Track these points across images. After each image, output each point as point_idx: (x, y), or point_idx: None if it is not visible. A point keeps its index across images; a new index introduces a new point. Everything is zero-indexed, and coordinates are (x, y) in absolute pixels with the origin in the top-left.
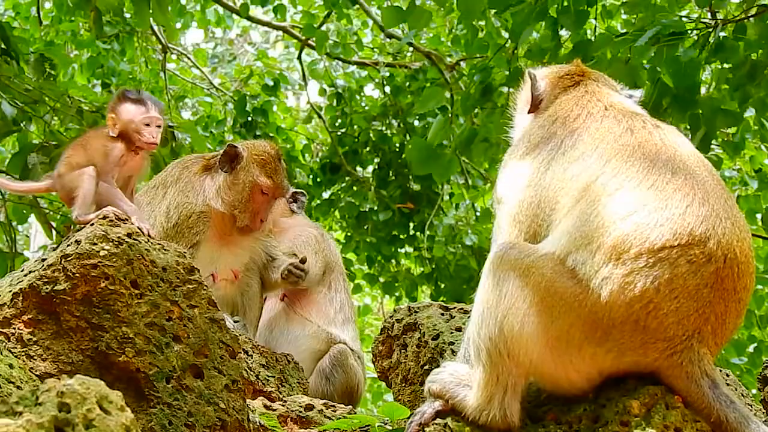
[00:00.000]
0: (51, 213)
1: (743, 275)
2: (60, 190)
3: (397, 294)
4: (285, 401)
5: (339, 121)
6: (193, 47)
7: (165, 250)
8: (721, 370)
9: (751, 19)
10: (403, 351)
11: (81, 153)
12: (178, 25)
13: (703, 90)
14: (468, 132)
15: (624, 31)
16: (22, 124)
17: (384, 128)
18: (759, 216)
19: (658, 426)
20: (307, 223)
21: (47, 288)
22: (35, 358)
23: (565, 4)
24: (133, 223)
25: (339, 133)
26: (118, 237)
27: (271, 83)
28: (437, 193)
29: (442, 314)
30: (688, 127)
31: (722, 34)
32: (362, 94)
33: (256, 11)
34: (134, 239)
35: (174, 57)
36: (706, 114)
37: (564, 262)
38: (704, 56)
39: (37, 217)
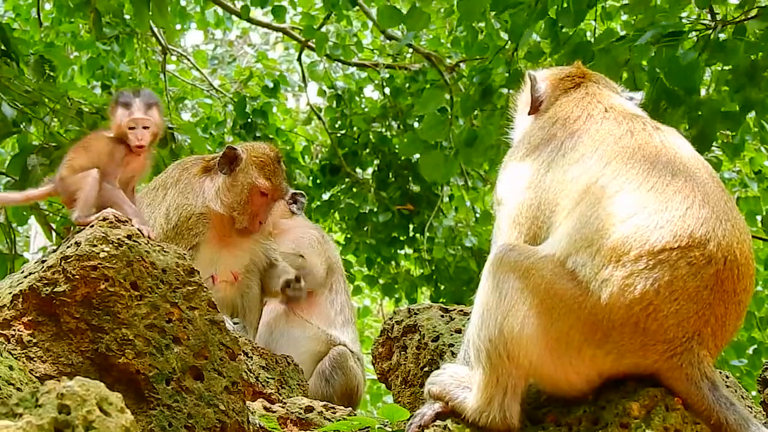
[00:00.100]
0: (51, 215)
1: (743, 277)
2: (62, 193)
3: (396, 296)
4: (285, 403)
5: (339, 122)
6: (193, 49)
7: (165, 251)
8: (720, 372)
9: (751, 20)
10: (402, 353)
11: (83, 155)
12: (178, 27)
13: (703, 92)
14: (467, 134)
15: (624, 33)
16: (22, 126)
17: (384, 130)
18: (759, 218)
19: (658, 428)
20: (308, 225)
21: (47, 290)
22: (35, 359)
23: (565, 5)
24: (133, 225)
25: (339, 135)
26: (118, 239)
27: (271, 85)
28: (437, 195)
29: (442, 316)
30: (688, 128)
31: (722, 35)
32: (362, 95)
33: (255, 13)
34: (134, 241)
35: (174, 58)
36: (706, 116)
37: (564, 264)
38: (704, 57)
39: (36, 219)
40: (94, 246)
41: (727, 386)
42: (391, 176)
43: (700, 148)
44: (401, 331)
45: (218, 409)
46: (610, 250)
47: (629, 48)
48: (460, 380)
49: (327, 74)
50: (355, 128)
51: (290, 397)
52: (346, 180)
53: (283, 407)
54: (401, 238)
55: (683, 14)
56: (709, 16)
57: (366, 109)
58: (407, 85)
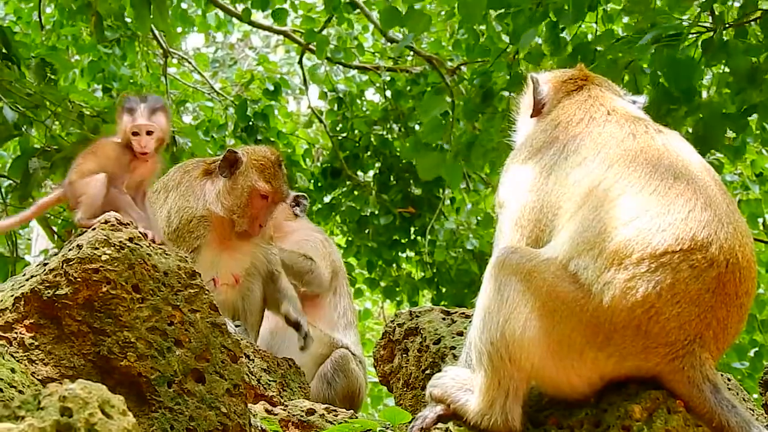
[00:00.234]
0: (52, 218)
1: (745, 280)
2: (70, 197)
3: (398, 299)
4: (286, 406)
5: (340, 125)
6: (194, 52)
7: (166, 254)
8: (722, 375)
9: (752, 23)
10: (404, 355)
11: (91, 160)
12: (179, 30)
13: (704, 94)
14: (468, 137)
15: (624, 34)
16: (23, 129)
17: (385, 133)
18: (761, 220)
19: (660, 430)
20: (312, 227)
21: (49, 292)
22: (37, 362)
23: (566, 7)
24: (135, 228)
25: (340, 138)
26: (120, 241)
27: (272, 88)
28: (438, 198)
29: (444, 319)
30: (690, 131)
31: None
32: (363, 98)
33: (256, 16)
34: (136, 244)
35: (175, 61)
36: (707, 118)
37: (566, 266)
38: (704, 60)
39: (38, 222)
40: (96, 249)
41: (729, 389)
42: (392, 179)
43: (702, 151)
44: (403, 334)
45: (220, 411)
46: (612, 253)
47: (628, 49)
48: (462, 383)
49: (328, 77)
50: (356, 131)
51: (292, 399)
52: (348, 183)
53: (284, 410)
54: (402, 241)
55: (684, 16)
56: (710, 18)
57: (367, 112)
58: (408, 87)
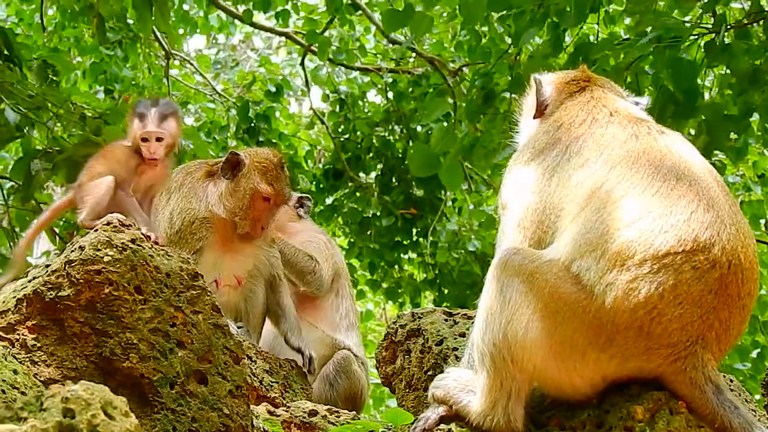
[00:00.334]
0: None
1: (747, 281)
2: (79, 200)
3: (400, 300)
4: (289, 407)
5: (342, 127)
6: (196, 53)
7: (169, 256)
8: (724, 376)
9: (754, 24)
10: (406, 357)
11: (102, 163)
12: (181, 32)
13: (707, 96)
14: (470, 138)
15: (626, 36)
16: (25, 130)
17: (387, 134)
18: (763, 221)
19: (662, 431)
20: (315, 229)
21: (51, 294)
22: (39, 363)
23: (567, 9)
24: (138, 229)
25: (342, 139)
26: (122, 243)
27: (274, 89)
28: (440, 199)
29: (446, 320)
30: (693, 132)
31: (726, 41)
32: (365, 99)
33: (258, 17)
34: (138, 245)
35: (177, 63)
36: (709, 119)
37: (568, 268)
38: (706, 61)
39: None
40: (99, 250)
41: (731, 390)
42: (394, 180)
43: (705, 153)
44: (405, 335)
45: (222, 413)
46: (614, 255)
47: (630, 50)
48: (464, 384)
49: (330, 78)
50: (358, 132)
51: (294, 401)
52: (350, 184)
53: (287, 411)
54: (404, 243)
55: (686, 17)
56: (712, 20)
57: (369, 114)
58: (410, 89)
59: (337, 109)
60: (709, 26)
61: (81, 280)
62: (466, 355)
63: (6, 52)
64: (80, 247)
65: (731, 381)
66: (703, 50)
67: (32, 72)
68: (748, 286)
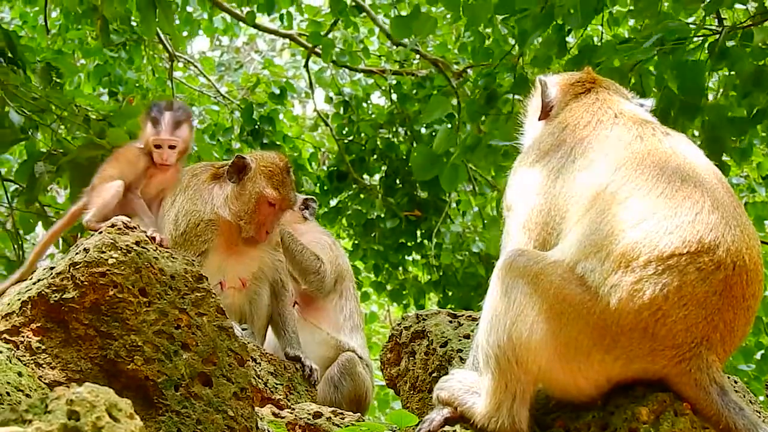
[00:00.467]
0: (57, 221)
1: (752, 283)
2: (89, 201)
3: (404, 302)
4: (293, 409)
5: (346, 128)
6: (200, 55)
7: (173, 258)
8: (729, 377)
9: (758, 26)
10: (411, 358)
11: (114, 166)
12: (185, 34)
13: (711, 97)
14: (472, 138)
15: (631, 37)
16: (29, 133)
17: (391, 136)
18: (767, 223)
19: None
20: (320, 230)
21: (56, 296)
22: (44, 366)
23: (572, 11)
24: (142, 231)
25: (346, 141)
26: (127, 245)
27: (278, 91)
28: (444, 201)
29: (450, 321)
30: (698, 134)
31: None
32: (369, 101)
33: (262, 19)
34: (142, 247)
35: (181, 65)
36: (713, 121)
37: (573, 269)
38: (710, 63)
39: (44, 226)
40: (103, 252)
41: (736, 391)
42: (398, 182)
43: (710, 155)
44: (410, 337)
45: (227, 415)
46: (619, 256)
47: (633, 52)
48: (469, 386)
49: (334, 80)
50: (362, 134)
51: (299, 402)
52: (354, 186)
53: (291, 413)
54: (409, 244)
55: (689, 19)
56: (716, 21)
57: (373, 116)
58: (414, 91)
59: (341, 111)
60: (713, 28)
61: (85, 283)
62: (470, 357)
63: (10, 55)
64: (85, 249)
65: (735, 382)
66: (707, 52)
67: (36, 74)
68: (752, 287)
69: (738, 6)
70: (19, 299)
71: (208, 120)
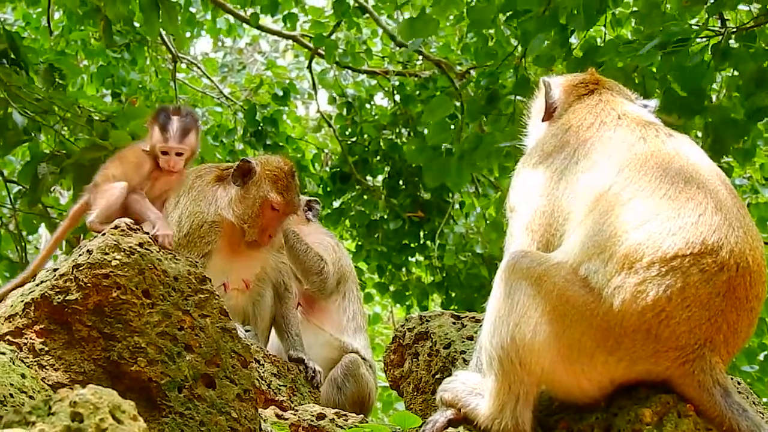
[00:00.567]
0: (61, 223)
1: (755, 284)
2: (92, 201)
3: (407, 303)
4: (296, 410)
5: (349, 130)
6: (203, 56)
7: (176, 259)
8: (732, 378)
9: (760, 26)
10: (414, 360)
11: (117, 166)
12: (188, 35)
13: (714, 98)
14: (473, 139)
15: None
16: (32, 134)
17: (394, 137)
18: None
19: None
20: (324, 232)
21: (59, 298)
22: (47, 367)
23: (575, 12)
24: (147, 232)
25: (349, 142)
26: (130, 247)
27: (281, 93)
28: (447, 202)
29: (454, 323)
30: (701, 135)
31: (733, 43)
32: (372, 102)
33: (265, 20)
34: (146, 249)
35: (184, 66)
36: (715, 122)
37: (576, 270)
38: (713, 64)
39: (47, 227)
40: (106, 254)
41: (739, 392)
42: (401, 183)
43: (713, 156)
44: (413, 339)
45: (230, 416)
46: (622, 257)
47: (636, 54)
48: (473, 387)
49: (337, 82)
50: (365, 135)
51: (302, 404)
52: (357, 187)
53: (294, 414)
54: (412, 245)
55: (692, 21)
56: (719, 22)
57: (376, 117)
58: (417, 92)
59: (344, 112)
60: (716, 29)
61: (89, 284)
62: (474, 359)
63: (13, 56)
64: (88, 251)
65: (739, 383)
66: (710, 53)
67: (39, 76)
68: (756, 288)
69: (741, 7)
70: (22, 301)
71: (211, 121)
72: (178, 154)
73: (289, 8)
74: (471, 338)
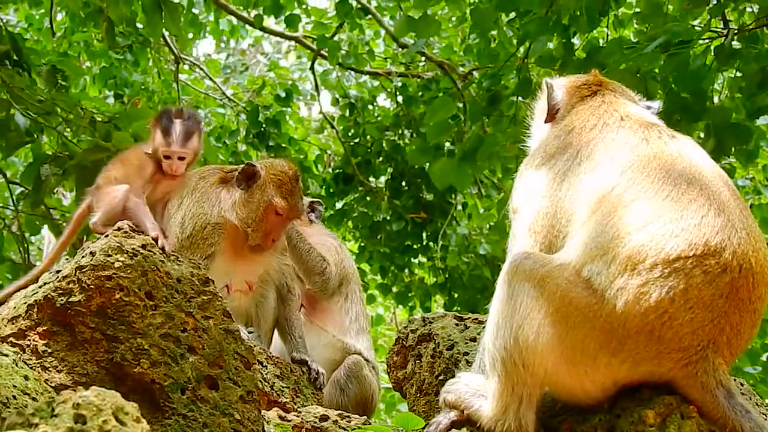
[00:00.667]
0: (64, 224)
1: (758, 285)
2: (95, 204)
3: (410, 304)
4: (300, 412)
5: (352, 131)
6: (206, 58)
7: (179, 261)
8: (735, 380)
9: (764, 27)
10: (417, 361)
11: (119, 168)
12: (191, 36)
13: (717, 100)
14: (475, 140)
15: (636, 40)
16: (35, 135)
17: (397, 138)
18: None
19: None
20: (326, 233)
21: (62, 299)
22: (50, 369)
23: (578, 13)
24: (148, 235)
25: (352, 144)
26: (133, 248)
27: (284, 94)
28: (450, 203)
29: (457, 324)
30: (703, 136)
31: (735, 44)
32: (375, 104)
33: (268, 21)
34: (149, 251)
35: (186, 68)
36: (717, 123)
37: (579, 272)
38: (715, 65)
39: (50, 229)
40: (109, 256)
41: (742, 394)
42: (404, 184)
43: (715, 157)
44: (416, 340)
45: (233, 418)
46: (625, 259)
47: (638, 55)
48: (476, 389)
49: (339, 83)
50: (368, 137)
51: (305, 406)
52: (360, 189)
53: (297, 416)
54: (415, 247)
55: (695, 22)
56: (721, 24)
57: (379, 118)
58: (420, 93)
59: (347, 114)
60: (719, 30)
61: (92, 286)
62: (477, 360)
63: (15, 57)
64: (91, 252)
65: (742, 385)
66: (713, 54)
67: (42, 77)
68: (759, 290)
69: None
70: (25, 303)
71: (213, 122)
72: (181, 158)
73: (292, 9)
74: (474, 340)
